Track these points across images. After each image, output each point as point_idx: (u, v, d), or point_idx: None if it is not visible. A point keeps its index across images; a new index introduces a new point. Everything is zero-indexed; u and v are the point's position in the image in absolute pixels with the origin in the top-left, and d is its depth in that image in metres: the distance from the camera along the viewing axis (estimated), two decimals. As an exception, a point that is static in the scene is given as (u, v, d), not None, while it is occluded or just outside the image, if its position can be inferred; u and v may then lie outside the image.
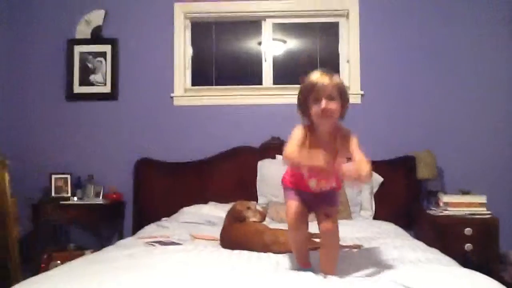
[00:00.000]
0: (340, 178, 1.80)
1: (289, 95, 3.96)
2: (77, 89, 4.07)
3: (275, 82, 4.14)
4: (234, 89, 4.11)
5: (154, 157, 3.96)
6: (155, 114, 4.05)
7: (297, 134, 1.75)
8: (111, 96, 4.05)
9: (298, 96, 1.79)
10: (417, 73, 3.95)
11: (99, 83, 4.07)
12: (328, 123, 1.72)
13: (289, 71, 4.18)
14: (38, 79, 4.11)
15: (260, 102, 4.03)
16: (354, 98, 3.92)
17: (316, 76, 1.72)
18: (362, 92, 3.95)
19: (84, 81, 4.07)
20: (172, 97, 4.05)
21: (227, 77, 4.22)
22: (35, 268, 3.25)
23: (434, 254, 2.07)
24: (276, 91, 4.05)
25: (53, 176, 3.87)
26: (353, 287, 1.54)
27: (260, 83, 4.15)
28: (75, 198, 3.81)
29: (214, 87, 4.19)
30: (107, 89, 4.05)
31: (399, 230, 3.05)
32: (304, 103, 1.76)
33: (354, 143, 1.71)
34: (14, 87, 4.08)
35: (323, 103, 1.68)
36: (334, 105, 1.69)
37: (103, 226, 3.76)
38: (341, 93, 1.72)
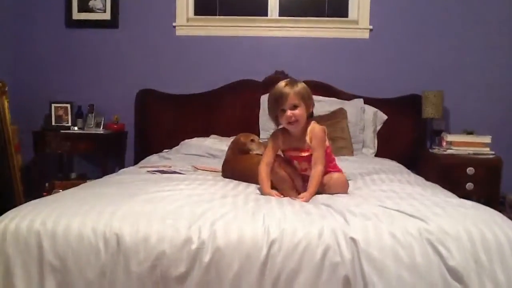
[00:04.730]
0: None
1: (295, 28, 3.88)
2: (76, 15, 3.93)
3: (280, 15, 3.99)
4: (238, 20, 3.96)
5: (155, 88, 3.89)
6: (157, 43, 3.93)
7: (268, 149, 2.07)
8: (112, 23, 3.92)
9: (268, 104, 2.03)
10: (428, 10, 3.80)
11: (99, 9, 3.93)
12: (296, 127, 1.97)
13: (295, 3, 4.01)
14: (37, 4, 3.95)
15: (265, 34, 3.90)
16: (362, 33, 3.82)
17: (281, 87, 1.94)
18: (370, 27, 3.82)
19: (83, 7, 3.93)
20: (174, 27, 3.92)
21: (232, 8, 4.06)
22: (37, 197, 3.25)
23: (438, 189, 2.06)
24: (282, 24, 3.91)
25: (53, 105, 3.81)
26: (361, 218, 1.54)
27: (265, 14, 4.00)
28: (76, 128, 3.78)
29: (217, 17, 4.04)
30: (107, 16, 3.92)
31: (402, 167, 3.03)
32: (272, 110, 2.00)
33: (315, 143, 1.96)
34: (13, 12, 3.93)
35: (288, 113, 1.91)
36: (298, 112, 1.92)
37: (105, 156, 3.75)
38: (304, 98, 1.93)
